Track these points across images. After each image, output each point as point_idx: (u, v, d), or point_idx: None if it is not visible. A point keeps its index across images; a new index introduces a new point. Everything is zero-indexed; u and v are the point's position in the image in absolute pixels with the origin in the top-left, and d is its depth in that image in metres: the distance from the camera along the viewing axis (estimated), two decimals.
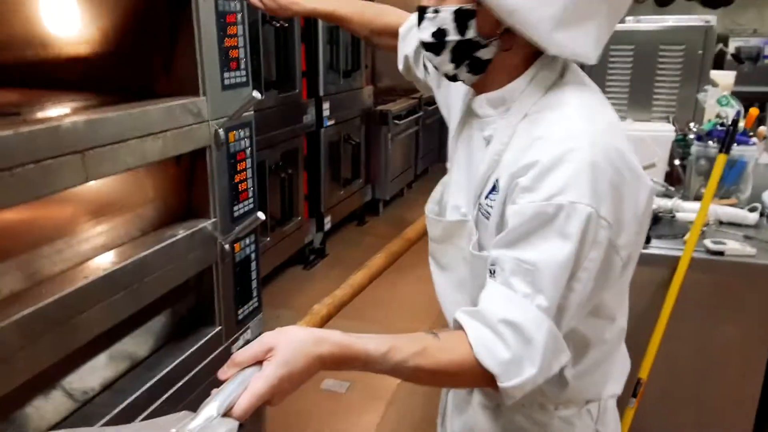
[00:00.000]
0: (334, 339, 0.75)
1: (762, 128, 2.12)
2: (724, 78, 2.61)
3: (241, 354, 0.72)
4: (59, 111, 1.26)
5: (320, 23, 3.52)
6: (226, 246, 1.56)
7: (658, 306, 1.68)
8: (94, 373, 1.29)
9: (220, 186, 1.52)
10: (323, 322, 0.90)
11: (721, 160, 1.75)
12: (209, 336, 1.55)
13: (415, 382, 0.83)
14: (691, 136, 2.20)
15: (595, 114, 0.83)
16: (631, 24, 2.50)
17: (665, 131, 2.21)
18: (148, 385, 1.34)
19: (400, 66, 1.24)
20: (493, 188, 0.86)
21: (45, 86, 1.53)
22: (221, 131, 1.48)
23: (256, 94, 1.44)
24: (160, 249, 1.34)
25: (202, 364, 1.52)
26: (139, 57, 1.47)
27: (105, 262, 1.25)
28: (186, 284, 1.49)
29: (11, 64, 1.57)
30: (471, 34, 0.84)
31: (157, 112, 1.29)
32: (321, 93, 3.62)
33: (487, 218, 0.87)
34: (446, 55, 0.87)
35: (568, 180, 0.75)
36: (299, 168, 3.49)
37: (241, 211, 1.62)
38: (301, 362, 0.71)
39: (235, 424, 0.66)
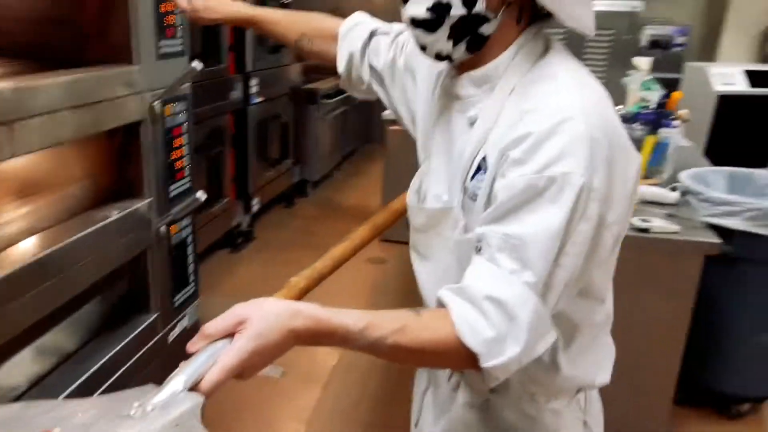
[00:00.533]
0: (310, 312, 0.71)
1: (683, 111, 2.24)
2: (645, 63, 2.74)
3: (212, 326, 0.68)
4: None
5: None
6: (162, 228, 1.46)
7: None
8: (20, 369, 1.17)
9: (156, 163, 1.42)
10: (301, 295, 0.84)
11: (650, 141, 1.83)
12: (144, 325, 1.45)
13: (393, 361, 0.79)
14: None
15: (585, 86, 0.80)
16: None
17: None
18: (80, 380, 1.23)
19: (341, 68, 1.11)
20: (480, 168, 0.82)
21: None
22: (157, 104, 1.38)
23: (197, 64, 1.34)
24: (91, 233, 1.23)
25: (138, 355, 1.43)
26: (69, 20, 1.33)
27: (30, 247, 1.13)
28: (118, 269, 1.38)
29: None
30: (479, 7, 0.78)
31: (90, 81, 1.17)
32: (249, 68, 3.48)
33: (475, 200, 0.83)
34: (443, 32, 0.80)
35: (562, 150, 0.72)
36: (226, 147, 3.35)
37: (178, 190, 1.52)
38: (275, 336, 0.68)
39: (201, 399, 0.62)
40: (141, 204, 1.38)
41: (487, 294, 0.73)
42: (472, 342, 0.73)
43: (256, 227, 3.84)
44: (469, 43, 0.81)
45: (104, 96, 1.21)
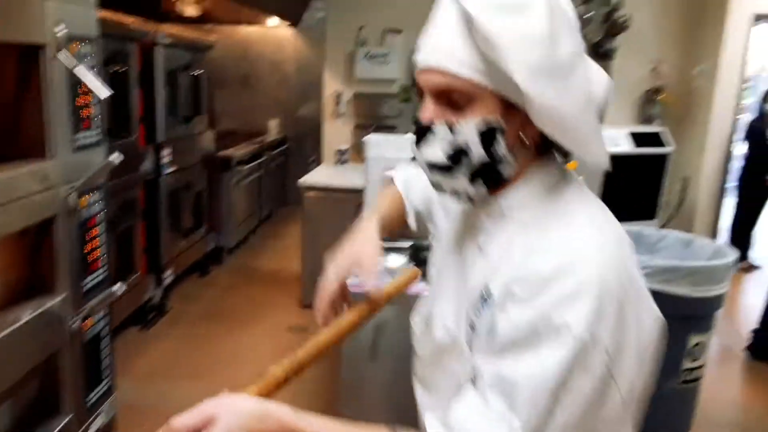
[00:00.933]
0: (280, 416, 0.69)
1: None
2: None
3: (179, 421, 0.66)
4: None
5: (158, 64, 3.35)
6: (75, 325, 1.39)
7: None
8: None
9: (70, 257, 1.36)
10: (278, 387, 0.77)
11: None
12: (58, 428, 1.36)
13: None
14: None
15: (602, 227, 0.75)
16: None
17: None
18: None
19: (413, 223, 1.07)
20: (486, 299, 0.76)
21: None
22: (72, 198, 1.34)
23: (115, 156, 1.32)
24: (1, 338, 1.15)
25: None
26: None
27: None
28: (29, 371, 1.30)
29: None
30: (500, 150, 0.74)
31: (2, 181, 1.13)
32: (160, 139, 3.42)
33: (474, 330, 0.77)
34: (462, 175, 0.76)
35: (568, 295, 0.66)
36: (136, 220, 3.24)
37: (93, 282, 1.46)
38: None
39: None
40: (54, 302, 1.32)
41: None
42: None
43: (169, 300, 3.69)
44: (487, 183, 0.77)
45: (17, 195, 1.17)
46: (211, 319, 3.62)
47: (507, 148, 0.74)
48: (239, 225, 4.62)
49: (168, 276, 3.59)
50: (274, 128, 5.71)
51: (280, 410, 0.70)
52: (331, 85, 5.13)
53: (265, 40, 5.83)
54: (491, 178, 0.76)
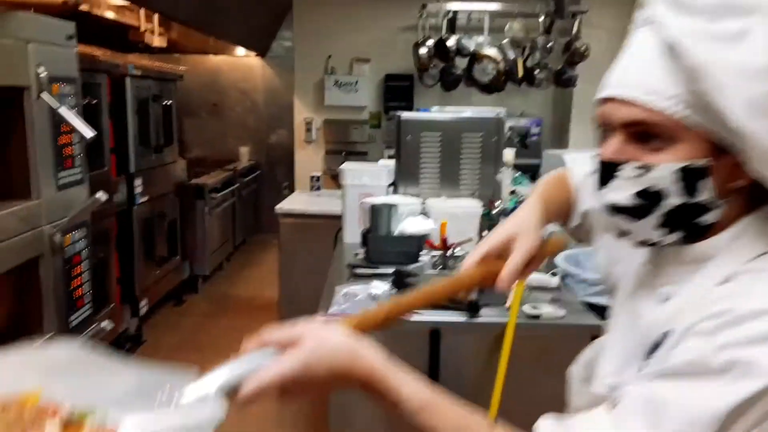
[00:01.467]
0: (369, 362, 0.63)
1: None
2: (508, 154, 3.07)
3: (270, 334, 0.64)
4: None
5: (129, 95, 3.36)
6: None
7: (492, 369, 1.88)
8: None
9: (56, 295, 1.37)
10: (380, 326, 0.73)
11: None
12: None
13: None
14: (495, 211, 2.53)
15: None
16: (437, 114, 2.84)
17: (474, 207, 2.52)
18: None
19: (575, 222, 0.96)
20: (658, 345, 0.66)
21: None
22: (57, 236, 1.35)
23: (101, 195, 1.35)
24: None
25: None
26: None
27: None
28: None
29: None
30: (704, 195, 0.64)
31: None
32: (132, 169, 3.42)
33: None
34: (653, 221, 0.67)
35: (760, 334, 0.56)
36: (110, 250, 3.22)
37: (79, 319, 1.46)
38: (322, 372, 0.62)
39: (221, 414, 0.59)
40: (41, 341, 1.32)
41: None
42: None
43: (144, 330, 3.65)
44: (686, 233, 0.67)
45: (3, 236, 1.18)
46: (187, 348, 3.59)
47: (713, 196, 0.64)
48: (213, 252, 4.61)
49: (143, 306, 3.56)
50: (245, 155, 5.73)
51: (372, 355, 0.64)
52: (301, 112, 5.18)
53: (234, 69, 5.87)
54: (690, 228, 0.67)
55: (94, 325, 1.44)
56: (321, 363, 0.62)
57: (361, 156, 4.75)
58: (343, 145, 5.05)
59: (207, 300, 4.44)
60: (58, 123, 1.35)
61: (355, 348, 0.64)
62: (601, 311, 1.97)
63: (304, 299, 3.63)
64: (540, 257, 0.86)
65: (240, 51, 5.69)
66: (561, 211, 0.96)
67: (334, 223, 3.42)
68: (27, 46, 1.26)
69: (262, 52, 5.70)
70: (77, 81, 1.42)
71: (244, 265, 5.24)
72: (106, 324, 1.41)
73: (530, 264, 0.85)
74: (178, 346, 3.62)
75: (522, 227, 0.85)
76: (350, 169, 2.80)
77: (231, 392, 0.61)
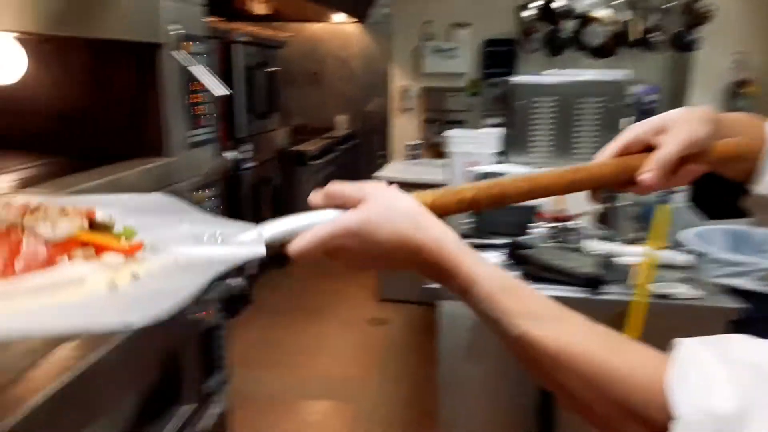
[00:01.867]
0: (439, 234, 0.56)
1: None
2: (626, 123, 2.86)
3: (337, 188, 0.60)
4: (10, 179, 1.11)
5: (238, 62, 3.43)
6: (195, 317, 1.44)
7: None
8: None
9: None
10: (459, 208, 0.60)
11: (665, 210, 1.89)
12: (178, 417, 1.40)
13: (520, 360, 0.54)
14: None
15: None
16: (552, 77, 2.68)
17: None
18: None
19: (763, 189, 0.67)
20: None
21: None
22: (190, 195, 1.38)
23: (234, 155, 1.35)
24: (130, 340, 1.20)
25: None
26: (96, 116, 1.33)
27: (76, 349, 1.10)
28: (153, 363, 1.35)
29: None
30: None
31: (131, 178, 1.17)
32: (240, 135, 3.51)
33: None
34: None
35: None
36: (221, 214, 3.34)
37: None
38: (383, 236, 0.55)
39: (260, 253, 0.58)
40: None
41: (755, 361, 0.46)
42: (690, 406, 0.44)
43: (252, 291, 3.79)
44: None
45: (146, 191, 1.21)
46: (292, 309, 3.70)
47: None
48: None
49: (252, 267, 3.69)
50: (342, 124, 5.76)
51: (440, 230, 0.56)
52: (398, 79, 5.11)
53: (333, 37, 5.87)
54: None
55: (224, 283, 1.46)
56: (383, 226, 0.55)
57: (458, 125, 4.63)
58: (440, 113, 4.95)
59: (310, 264, 4.54)
60: (189, 81, 1.36)
61: (424, 220, 0.57)
62: (742, 294, 1.80)
63: None
64: (703, 156, 0.64)
65: (338, 18, 5.67)
66: (741, 150, 0.67)
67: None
68: (160, 4, 1.26)
69: (360, 17, 5.65)
70: (206, 41, 1.43)
71: None
72: (231, 281, 1.43)
73: (688, 162, 0.63)
74: (284, 307, 3.74)
75: (684, 115, 0.65)
76: (456, 136, 2.72)
77: (280, 243, 0.59)
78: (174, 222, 0.62)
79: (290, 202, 4.36)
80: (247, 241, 0.57)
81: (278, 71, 4.07)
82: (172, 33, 1.31)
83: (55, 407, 0.97)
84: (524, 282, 0.56)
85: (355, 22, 5.76)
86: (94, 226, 0.55)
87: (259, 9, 4.23)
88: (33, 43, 1.27)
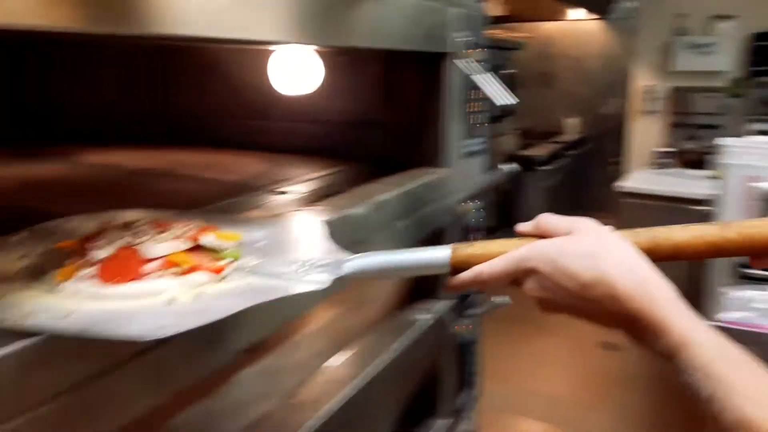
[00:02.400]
0: (648, 285, 0.50)
1: None
2: None
3: (547, 218, 0.59)
4: (310, 186, 1.17)
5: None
6: (456, 330, 1.41)
7: None
8: None
9: None
10: (671, 255, 0.54)
11: None
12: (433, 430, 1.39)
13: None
14: None
15: None
16: None
17: None
18: None
19: None
20: None
21: (271, 151, 1.47)
22: (461, 206, 1.35)
23: (513, 167, 1.29)
24: (408, 342, 1.19)
25: None
26: (388, 124, 1.36)
27: (344, 366, 1.11)
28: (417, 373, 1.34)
29: (239, 128, 1.52)
30: None
31: (419, 190, 1.16)
32: None
33: None
34: None
35: None
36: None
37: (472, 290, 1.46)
38: (580, 268, 0.52)
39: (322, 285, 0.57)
40: (444, 306, 1.34)
41: None
42: None
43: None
44: None
45: (425, 204, 1.20)
46: (515, 320, 3.58)
47: None
48: None
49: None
50: (571, 127, 5.45)
51: (654, 280, 0.51)
52: (640, 79, 4.69)
53: (566, 36, 5.59)
54: None
55: (486, 301, 1.41)
56: (583, 259, 0.51)
57: (710, 129, 4.09)
58: (689, 116, 4.42)
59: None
60: (468, 89, 1.32)
61: (635, 260, 0.52)
62: None
63: None
64: None
65: (573, 15, 5.37)
66: None
67: (688, 207, 2.98)
68: (448, 11, 1.23)
69: (601, 13, 5.29)
70: (487, 49, 1.38)
71: None
72: (497, 299, 1.37)
73: None
74: (506, 317, 3.64)
75: None
76: (733, 144, 2.34)
77: (364, 274, 0.60)
78: (292, 249, 0.65)
79: (516, 209, 4.24)
80: (316, 279, 0.58)
81: (515, 74, 3.97)
82: (458, 41, 1.28)
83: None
84: (752, 357, 0.47)
85: (595, 18, 5.41)
86: (198, 246, 0.60)
87: (499, 10, 4.18)
88: (330, 55, 1.34)
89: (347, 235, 0.85)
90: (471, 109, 1.36)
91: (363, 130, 1.39)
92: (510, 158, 4.13)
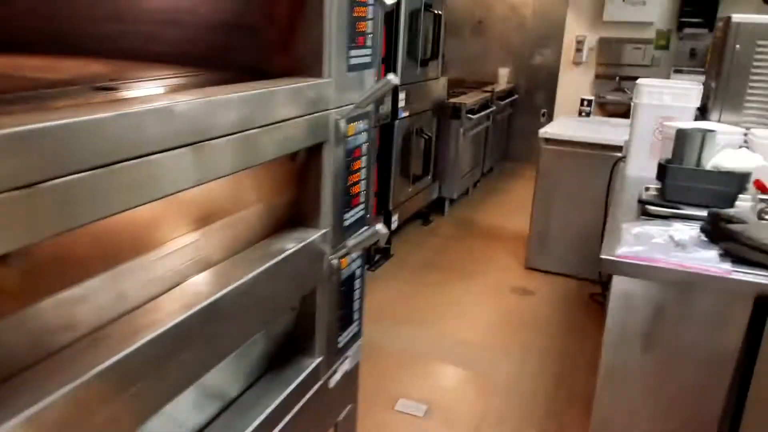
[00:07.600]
0: None
1: None
2: None
3: None
4: (157, 87, 1.00)
5: (403, 3, 3.22)
6: (334, 262, 1.29)
7: None
8: (183, 416, 1.03)
9: (334, 189, 1.24)
10: None
11: None
12: (308, 370, 1.28)
13: None
14: None
15: None
16: None
17: None
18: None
19: None
20: None
21: (129, 58, 1.28)
22: (342, 123, 1.20)
23: (393, 77, 1.15)
24: (269, 268, 1.06)
25: (299, 405, 1.25)
26: (254, 28, 1.19)
27: (203, 285, 0.99)
28: (286, 307, 1.22)
29: (92, 33, 1.32)
30: None
31: (283, 96, 1.01)
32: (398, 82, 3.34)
33: None
34: None
35: None
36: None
37: (352, 219, 1.34)
38: None
39: None
40: (316, 235, 1.21)
41: None
42: None
43: (393, 244, 3.67)
44: None
45: (295, 113, 1.05)
46: (432, 267, 3.53)
47: None
48: (463, 176, 4.45)
49: (394, 221, 3.56)
50: (504, 77, 5.37)
51: None
52: (573, 29, 4.61)
53: None
54: None
55: (366, 228, 1.29)
56: None
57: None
58: (617, 68, 4.40)
59: (453, 223, 4.34)
60: None
61: None
62: None
63: (560, 232, 3.28)
64: None
65: None
66: None
67: (606, 153, 2.95)
68: None
69: None
70: None
71: (490, 194, 5.01)
72: (380, 228, 1.25)
73: None
74: (423, 264, 3.58)
75: None
76: (648, 85, 2.29)
77: None
78: None
79: (440, 155, 4.15)
80: None
81: (443, 14, 3.81)
82: None
83: (180, 337, 0.86)
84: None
85: None
86: None
87: None
88: None
89: None
90: (357, 14, 1.21)
91: (232, 34, 1.22)
92: (437, 105, 4.01)
